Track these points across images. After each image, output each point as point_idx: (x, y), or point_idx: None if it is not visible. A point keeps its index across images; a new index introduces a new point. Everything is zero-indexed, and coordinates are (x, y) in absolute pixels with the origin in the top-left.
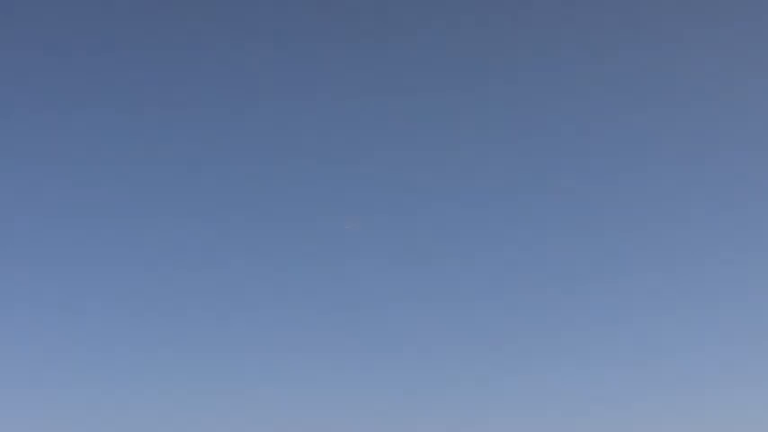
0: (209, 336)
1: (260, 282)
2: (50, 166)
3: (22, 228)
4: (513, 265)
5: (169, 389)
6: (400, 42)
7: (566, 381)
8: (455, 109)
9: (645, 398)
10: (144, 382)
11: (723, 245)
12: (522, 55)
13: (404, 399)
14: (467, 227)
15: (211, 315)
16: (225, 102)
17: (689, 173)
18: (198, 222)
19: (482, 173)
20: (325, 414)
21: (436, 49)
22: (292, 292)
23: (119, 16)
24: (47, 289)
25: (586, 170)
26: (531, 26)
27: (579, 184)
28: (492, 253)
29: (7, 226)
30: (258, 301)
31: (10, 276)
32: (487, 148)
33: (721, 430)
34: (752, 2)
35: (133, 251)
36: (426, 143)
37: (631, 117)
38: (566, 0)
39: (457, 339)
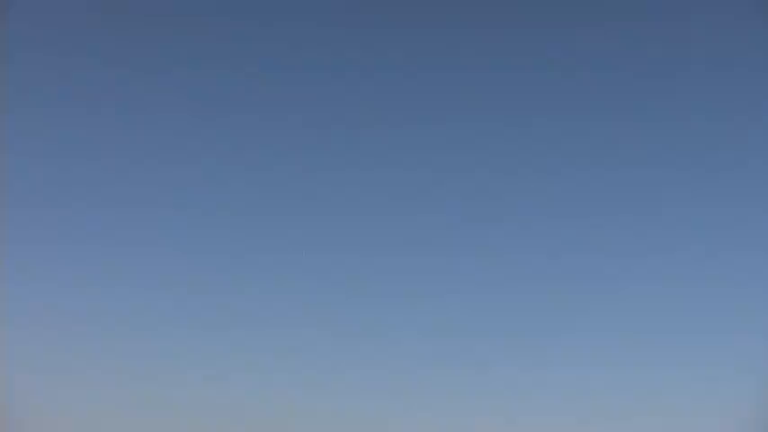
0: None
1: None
2: None
3: None
4: (510, 264)
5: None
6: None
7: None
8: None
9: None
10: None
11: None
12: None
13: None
14: (464, 224)
15: None
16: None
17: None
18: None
19: (483, 173)
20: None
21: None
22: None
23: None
24: None
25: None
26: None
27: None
28: (489, 250)
29: None
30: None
31: None
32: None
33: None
34: None
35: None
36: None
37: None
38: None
39: (454, 340)
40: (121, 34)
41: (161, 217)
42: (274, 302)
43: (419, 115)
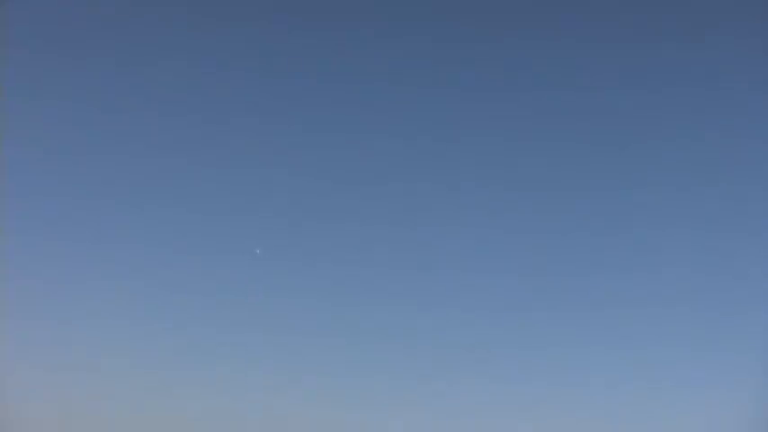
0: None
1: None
2: None
3: None
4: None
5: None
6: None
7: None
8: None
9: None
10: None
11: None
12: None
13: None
14: (466, 235)
15: None
16: None
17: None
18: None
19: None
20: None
21: None
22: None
23: None
24: None
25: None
26: None
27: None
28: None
29: None
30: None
31: None
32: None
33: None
34: None
35: None
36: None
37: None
38: None
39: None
40: (121, 34)
41: (162, 217)
42: (276, 305)
43: (420, 126)
